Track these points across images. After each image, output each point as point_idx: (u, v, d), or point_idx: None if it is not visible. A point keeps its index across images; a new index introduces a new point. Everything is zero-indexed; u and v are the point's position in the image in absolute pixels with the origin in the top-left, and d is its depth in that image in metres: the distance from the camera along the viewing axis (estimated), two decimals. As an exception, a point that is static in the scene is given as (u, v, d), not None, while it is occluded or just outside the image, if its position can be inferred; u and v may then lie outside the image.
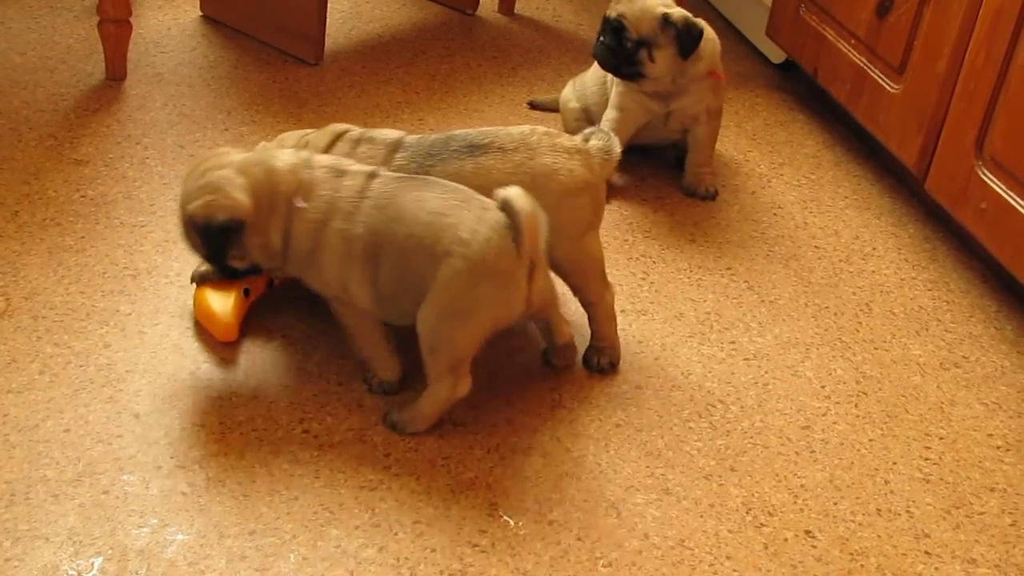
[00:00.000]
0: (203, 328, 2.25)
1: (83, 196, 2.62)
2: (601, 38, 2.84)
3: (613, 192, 2.91)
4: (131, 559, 1.77)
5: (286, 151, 2.11)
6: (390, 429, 2.06)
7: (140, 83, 3.16)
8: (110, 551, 1.77)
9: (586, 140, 2.25)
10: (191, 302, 2.29)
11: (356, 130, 2.27)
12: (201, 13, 3.61)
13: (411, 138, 2.24)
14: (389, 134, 2.25)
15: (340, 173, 2.06)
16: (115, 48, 3.11)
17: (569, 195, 2.15)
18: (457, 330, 1.97)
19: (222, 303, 2.23)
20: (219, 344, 2.22)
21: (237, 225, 2.00)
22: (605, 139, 2.25)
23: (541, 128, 2.21)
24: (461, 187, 2.05)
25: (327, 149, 2.22)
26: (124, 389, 2.08)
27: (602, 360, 2.28)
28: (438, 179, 2.07)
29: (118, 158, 2.79)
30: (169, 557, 1.78)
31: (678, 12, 2.79)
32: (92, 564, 1.75)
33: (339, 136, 2.25)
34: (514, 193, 1.96)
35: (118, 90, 3.11)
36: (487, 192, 2.03)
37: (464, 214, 1.97)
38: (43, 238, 2.46)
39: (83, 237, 2.48)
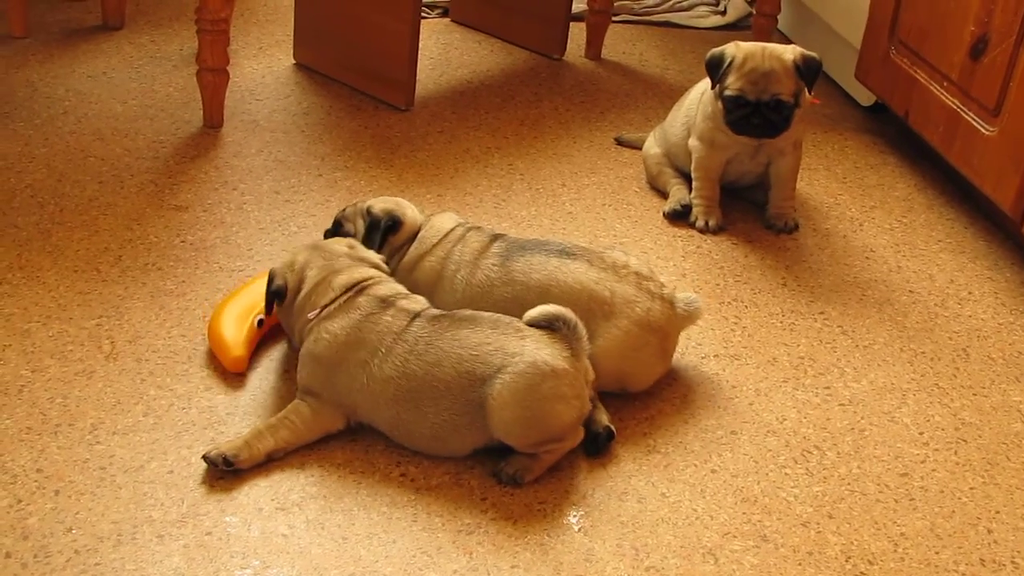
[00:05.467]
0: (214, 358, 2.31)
1: (183, 241, 2.68)
2: (754, 120, 2.80)
3: (703, 236, 2.91)
4: (234, 600, 1.80)
5: (362, 271, 2.20)
6: (511, 484, 2.05)
7: (236, 130, 3.23)
8: (214, 592, 1.81)
9: (674, 291, 2.29)
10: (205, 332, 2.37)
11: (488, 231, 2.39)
12: (294, 61, 3.69)
13: (512, 236, 2.37)
14: (495, 231, 2.38)
15: (386, 305, 2.13)
16: (212, 96, 3.19)
17: (640, 328, 2.21)
18: (536, 434, 2.02)
19: (234, 334, 2.29)
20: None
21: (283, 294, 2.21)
22: (693, 299, 2.28)
23: (635, 263, 2.28)
24: (490, 315, 2.11)
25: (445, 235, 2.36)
26: (225, 432, 2.12)
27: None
28: (470, 314, 2.12)
29: (216, 204, 2.86)
30: (271, 599, 1.81)
31: (797, 51, 2.81)
32: (197, 605, 1.79)
33: (470, 229, 2.38)
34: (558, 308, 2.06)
35: (215, 137, 3.19)
36: (560, 289, 2.18)
37: (501, 338, 2.04)
38: (145, 282, 2.52)
39: (184, 281, 2.54)
